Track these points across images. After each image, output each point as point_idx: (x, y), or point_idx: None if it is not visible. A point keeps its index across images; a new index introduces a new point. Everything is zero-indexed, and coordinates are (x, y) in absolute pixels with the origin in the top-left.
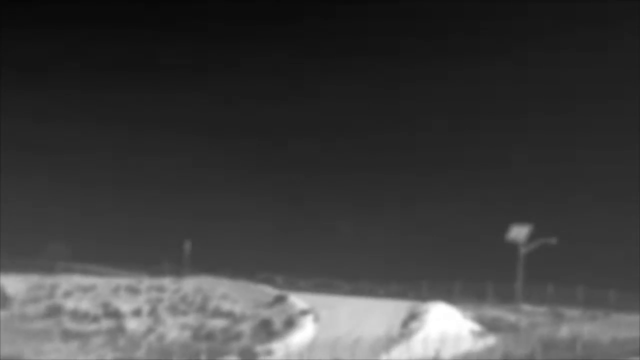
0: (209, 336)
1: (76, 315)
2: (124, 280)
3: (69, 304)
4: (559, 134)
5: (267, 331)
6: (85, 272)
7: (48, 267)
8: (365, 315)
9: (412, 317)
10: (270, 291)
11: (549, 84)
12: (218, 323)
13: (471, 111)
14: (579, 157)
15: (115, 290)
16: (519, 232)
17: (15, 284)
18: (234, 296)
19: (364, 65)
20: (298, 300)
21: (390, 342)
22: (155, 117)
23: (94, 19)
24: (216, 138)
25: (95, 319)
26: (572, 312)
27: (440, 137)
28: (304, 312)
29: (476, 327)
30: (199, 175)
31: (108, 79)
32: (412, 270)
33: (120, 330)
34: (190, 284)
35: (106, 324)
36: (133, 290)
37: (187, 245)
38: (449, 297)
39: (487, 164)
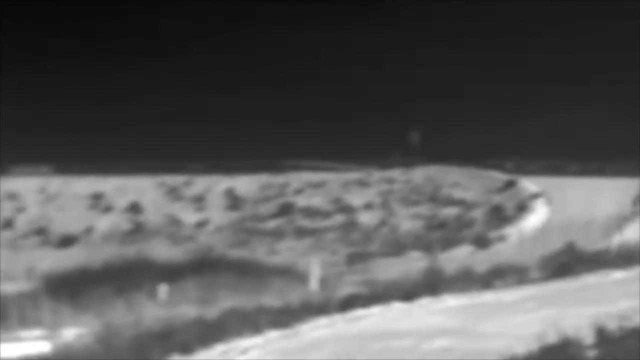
0: (442, 225)
1: (308, 212)
2: (353, 175)
3: (301, 202)
4: None
5: (499, 217)
6: (313, 168)
7: (277, 166)
8: (596, 196)
9: None
10: (500, 176)
11: None
12: (450, 211)
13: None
14: None
15: (346, 185)
16: None
17: (245, 185)
18: (465, 184)
19: None
20: (528, 184)
21: (622, 220)
22: None
23: None
24: None
25: (327, 214)
26: None
27: None
28: (535, 196)
29: None
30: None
31: None
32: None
33: (352, 224)
34: (420, 174)
35: (338, 219)
36: (363, 184)
37: (415, 135)
38: None
39: None
